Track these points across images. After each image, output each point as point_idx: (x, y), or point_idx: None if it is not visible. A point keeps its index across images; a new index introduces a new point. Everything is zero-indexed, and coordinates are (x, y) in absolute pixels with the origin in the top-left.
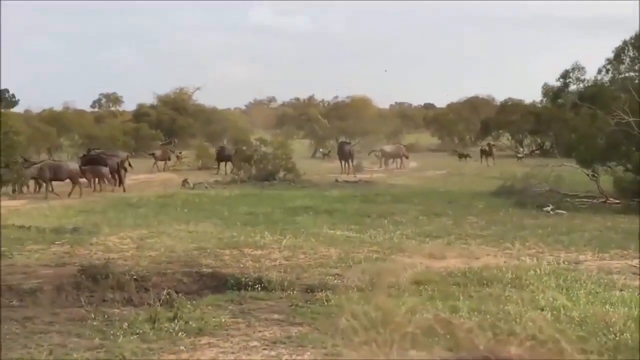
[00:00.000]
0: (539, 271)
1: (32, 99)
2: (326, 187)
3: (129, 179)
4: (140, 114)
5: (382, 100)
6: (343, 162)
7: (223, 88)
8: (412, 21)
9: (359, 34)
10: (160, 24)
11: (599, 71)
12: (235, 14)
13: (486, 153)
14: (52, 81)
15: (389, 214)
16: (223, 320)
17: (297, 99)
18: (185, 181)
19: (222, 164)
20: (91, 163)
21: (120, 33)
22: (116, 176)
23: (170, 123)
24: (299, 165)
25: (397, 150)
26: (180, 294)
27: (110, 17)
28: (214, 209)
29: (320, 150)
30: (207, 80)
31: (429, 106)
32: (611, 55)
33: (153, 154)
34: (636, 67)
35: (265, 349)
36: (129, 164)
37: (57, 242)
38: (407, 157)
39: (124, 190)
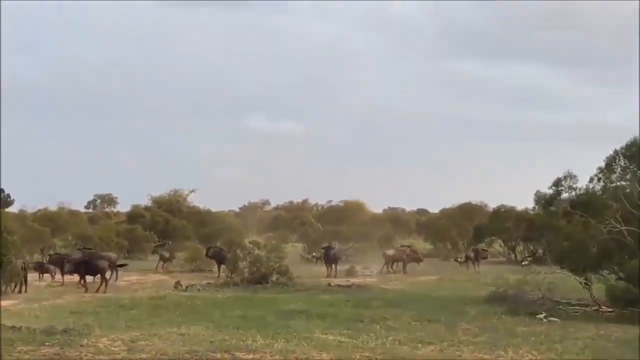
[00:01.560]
0: None
1: (26, 198)
2: (318, 291)
3: (122, 279)
4: (134, 215)
5: (376, 204)
6: (328, 266)
7: (217, 191)
8: (407, 126)
9: (355, 139)
10: (156, 126)
11: (591, 179)
12: (229, 120)
13: (470, 259)
14: (47, 181)
15: (381, 318)
16: None
17: (291, 202)
18: (177, 283)
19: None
20: (83, 263)
21: (117, 135)
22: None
23: (164, 224)
24: (292, 268)
25: (399, 254)
26: None
27: (107, 118)
28: (206, 311)
29: (313, 254)
30: (201, 182)
31: (421, 212)
32: (603, 164)
33: (161, 255)
34: (627, 176)
35: None
36: (119, 266)
37: (47, 344)
38: (418, 261)
39: (104, 292)
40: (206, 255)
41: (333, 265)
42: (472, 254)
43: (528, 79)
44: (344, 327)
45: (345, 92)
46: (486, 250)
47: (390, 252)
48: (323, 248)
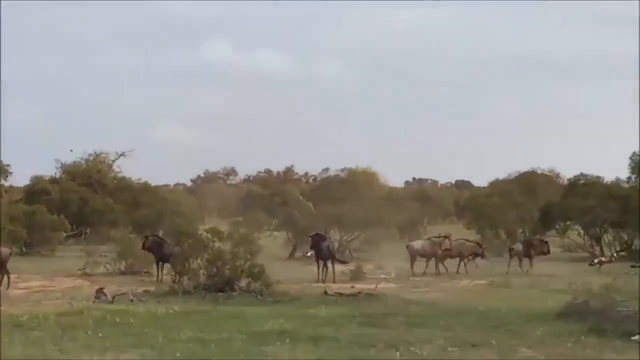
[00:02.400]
0: None
1: None
2: (310, 303)
3: (17, 287)
4: (35, 191)
5: (395, 175)
6: (319, 264)
7: (159, 156)
8: (440, 65)
9: (363, 81)
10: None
11: None
12: (177, 49)
13: (517, 253)
14: None
15: (403, 343)
16: None
17: (269, 172)
18: (100, 291)
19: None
20: None
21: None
22: None
23: (81, 204)
24: (270, 269)
25: (431, 248)
26: None
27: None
28: (143, 333)
29: (308, 254)
30: (135, 143)
31: (462, 185)
32: None
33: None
34: None
35: None
36: None
37: None
38: (480, 255)
39: None
40: (143, 248)
41: (328, 264)
42: (520, 247)
43: None
44: (347, 356)
45: (349, 13)
46: (545, 242)
47: (419, 244)
48: (311, 237)
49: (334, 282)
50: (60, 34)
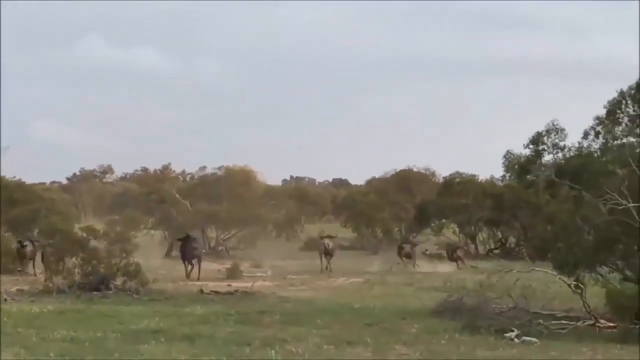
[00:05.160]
0: None
1: None
2: (186, 301)
3: None
4: None
5: (272, 173)
6: (187, 264)
7: (33, 153)
8: (316, 64)
9: (241, 80)
10: None
11: (586, 135)
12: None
13: (407, 253)
14: None
15: (278, 341)
16: None
17: (145, 170)
18: None
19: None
20: None
21: None
22: None
23: None
24: (146, 267)
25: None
26: None
27: None
28: (16, 332)
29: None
30: (8, 140)
31: (339, 183)
32: (603, 111)
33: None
34: (637, 130)
35: None
36: None
37: None
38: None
39: None
40: (21, 246)
41: (194, 263)
42: (409, 247)
43: None
44: (223, 354)
45: (229, 11)
46: (414, 244)
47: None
48: (180, 240)
49: (198, 279)
50: None
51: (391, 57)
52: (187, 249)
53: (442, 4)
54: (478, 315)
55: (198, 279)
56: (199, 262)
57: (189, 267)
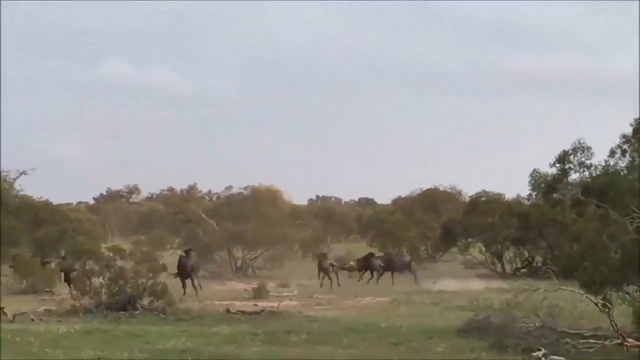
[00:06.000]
0: None
1: None
2: (213, 321)
3: None
4: None
5: (298, 192)
6: (184, 281)
7: (60, 174)
8: (341, 80)
9: (262, 98)
10: None
11: (612, 153)
12: (75, 66)
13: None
14: None
15: None
16: None
17: (172, 190)
18: (0, 310)
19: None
20: None
21: None
22: None
23: None
24: (172, 287)
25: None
26: None
27: None
28: (43, 352)
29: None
30: (35, 161)
31: (366, 202)
32: (629, 130)
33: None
34: None
35: None
36: None
37: None
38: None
39: None
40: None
41: (190, 279)
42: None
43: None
44: None
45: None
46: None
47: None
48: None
49: (196, 294)
50: None
51: (416, 73)
52: (185, 265)
53: (468, 21)
54: (505, 334)
55: (196, 293)
56: (192, 278)
57: (186, 283)
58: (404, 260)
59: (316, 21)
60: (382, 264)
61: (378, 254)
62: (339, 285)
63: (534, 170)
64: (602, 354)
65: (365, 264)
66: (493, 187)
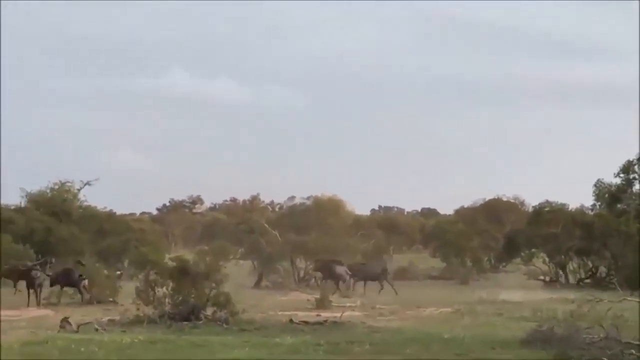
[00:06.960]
0: None
1: None
2: (276, 331)
3: None
4: (1, 220)
5: (361, 203)
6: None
7: (123, 184)
8: (402, 89)
9: (325, 107)
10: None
11: None
12: (134, 77)
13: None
14: None
15: None
16: None
17: (235, 201)
18: (65, 321)
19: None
20: None
21: None
22: None
23: (45, 234)
24: (236, 297)
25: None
26: None
27: None
28: None
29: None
30: (99, 172)
31: (428, 213)
32: None
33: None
34: None
35: None
36: None
37: None
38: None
39: None
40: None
41: None
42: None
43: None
44: None
45: (306, 34)
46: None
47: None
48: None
49: None
50: (16, 57)
51: (473, 82)
52: None
53: (522, 31)
54: (569, 345)
55: None
56: None
57: None
58: (375, 270)
59: (380, 33)
60: (349, 272)
61: (439, 265)
62: (396, 294)
63: (598, 180)
64: None
65: (325, 272)
66: (556, 197)
